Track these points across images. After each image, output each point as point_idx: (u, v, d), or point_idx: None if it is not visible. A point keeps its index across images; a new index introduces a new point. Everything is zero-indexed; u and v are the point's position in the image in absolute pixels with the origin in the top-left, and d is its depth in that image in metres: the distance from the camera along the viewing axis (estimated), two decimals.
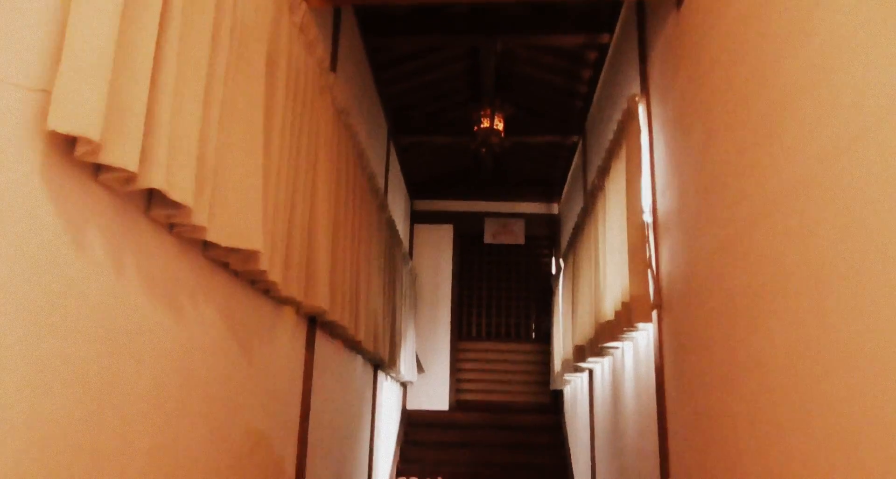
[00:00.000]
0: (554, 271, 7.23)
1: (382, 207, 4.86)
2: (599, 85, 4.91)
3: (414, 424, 6.81)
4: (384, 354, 4.79)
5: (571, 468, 6.15)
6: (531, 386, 7.09)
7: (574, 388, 6.19)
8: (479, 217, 7.43)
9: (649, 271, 3.20)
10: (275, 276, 2.35)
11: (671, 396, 2.92)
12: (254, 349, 2.48)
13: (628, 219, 3.29)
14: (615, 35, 4.38)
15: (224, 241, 1.92)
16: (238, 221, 1.98)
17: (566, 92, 5.57)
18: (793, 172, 1.75)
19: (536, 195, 7.47)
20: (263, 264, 2.20)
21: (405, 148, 6.59)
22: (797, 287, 1.71)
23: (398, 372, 5.64)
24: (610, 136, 4.35)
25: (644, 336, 3.43)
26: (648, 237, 3.26)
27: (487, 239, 7.34)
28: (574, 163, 6.27)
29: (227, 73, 2.00)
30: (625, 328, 3.32)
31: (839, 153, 1.51)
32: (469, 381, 7.14)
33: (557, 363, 6.32)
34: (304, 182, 2.79)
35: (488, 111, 4.83)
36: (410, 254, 7.36)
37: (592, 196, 4.51)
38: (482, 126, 4.81)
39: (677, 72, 2.91)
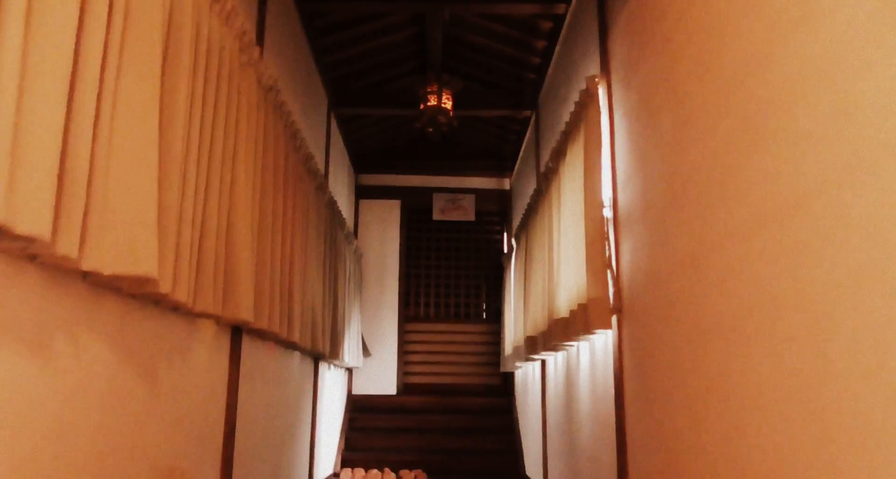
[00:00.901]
0: (506, 250, 6.98)
1: (322, 188, 4.49)
2: (554, 58, 4.59)
3: (360, 409, 6.55)
4: (324, 347, 4.48)
5: (522, 455, 5.99)
6: (481, 368, 6.88)
7: (525, 372, 6.00)
8: (428, 192, 7.10)
9: (609, 271, 2.95)
10: (181, 294, 2.00)
11: (631, 410, 2.69)
12: (159, 375, 2.14)
13: (586, 212, 3.02)
14: (572, 6, 4.04)
15: (107, 268, 1.57)
16: (125, 241, 1.62)
17: (518, 63, 5.23)
18: (796, 176, 1.47)
19: (487, 169, 7.16)
20: (164, 286, 1.85)
21: (348, 119, 6.19)
22: (786, 309, 1.46)
23: (342, 360, 5.34)
24: (566, 116, 4.05)
25: (601, 339, 3.19)
26: (608, 233, 2.99)
27: (436, 215, 7.03)
28: (527, 138, 5.97)
29: (105, 54, 1.62)
30: (581, 332, 3.07)
31: (856, 160, 1.23)
32: (417, 363, 6.89)
33: (508, 346, 6.11)
34: (221, 178, 2.42)
35: (435, 87, 4.47)
36: (356, 231, 7.01)
37: (546, 179, 4.23)
38: (429, 104, 4.45)
39: (643, 50, 2.61)
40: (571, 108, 3.88)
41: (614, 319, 2.92)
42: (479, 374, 6.86)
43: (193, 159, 2.12)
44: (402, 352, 6.85)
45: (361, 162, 7.10)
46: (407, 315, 7.02)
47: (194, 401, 2.45)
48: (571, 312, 3.29)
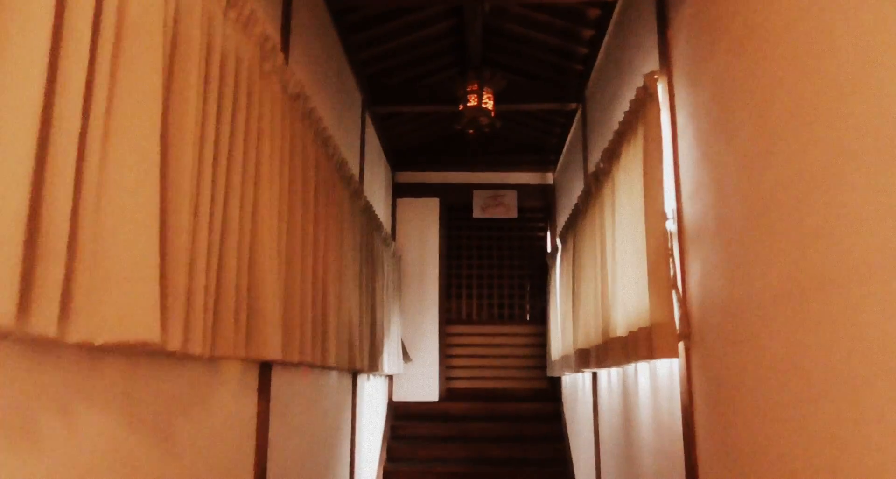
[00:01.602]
0: (550, 249, 6.67)
1: (357, 194, 4.25)
2: (603, 48, 4.25)
3: (401, 417, 6.34)
4: (363, 362, 4.25)
5: (572, 464, 5.70)
6: (526, 372, 6.60)
7: (574, 378, 5.70)
8: (468, 189, 6.80)
9: (674, 292, 2.63)
10: (195, 346, 1.76)
11: (705, 453, 2.39)
12: (175, 432, 1.91)
13: (647, 224, 2.70)
14: None
15: (98, 337, 1.33)
16: (119, 302, 1.38)
17: (564, 54, 4.89)
18: None
19: (530, 164, 6.83)
20: (172, 343, 1.61)
21: (384, 116, 5.93)
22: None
23: (381, 370, 5.12)
24: (619, 114, 3.72)
25: (666, 364, 2.88)
26: (673, 250, 2.68)
27: (477, 213, 6.74)
28: (572, 131, 5.63)
29: (90, 78, 1.37)
30: (644, 357, 2.77)
31: None
32: (460, 368, 6.64)
33: (555, 351, 5.82)
34: (242, 205, 2.17)
35: (475, 86, 4.16)
36: (393, 230, 6.76)
37: (597, 180, 3.91)
38: (469, 105, 4.15)
39: (715, 45, 2.27)
40: (625, 105, 3.55)
41: (681, 345, 2.61)
42: (524, 378, 6.59)
43: (207, 191, 1.87)
44: (444, 356, 6.60)
45: (398, 159, 6.84)
46: (448, 317, 6.77)
47: (219, 451, 2.22)
48: (631, 333, 2.99)
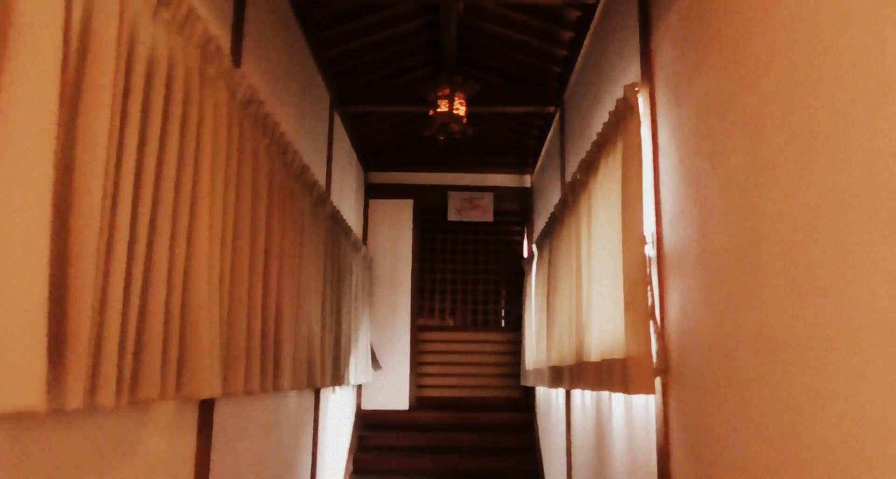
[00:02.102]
0: (526, 254, 6.47)
1: (322, 200, 4.02)
2: (583, 52, 4.04)
3: (370, 426, 6.13)
4: (325, 379, 4.03)
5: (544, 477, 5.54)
6: (500, 379, 6.41)
7: (548, 389, 5.52)
8: (443, 190, 6.59)
9: (652, 323, 2.44)
10: (106, 397, 1.53)
11: None
12: None
13: (624, 248, 2.51)
14: None
15: None
16: None
17: (542, 56, 4.68)
18: None
19: (507, 166, 6.63)
20: (72, 401, 1.39)
21: (355, 116, 5.69)
22: None
23: (347, 382, 4.90)
24: (597, 124, 3.51)
25: (641, 397, 2.69)
26: (651, 277, 2.48)
27: (451, 216, 6.52)
28: (550, 135, 5.43)
29: None
30: (617, 390, 2.57)
31: None
32: (432, 375, 6.44)
33: (529, 361, 5.63)
34: (174, 225, 1.95)
35: (447, 91, 3.93)
36: (365, 232, 6.53)
37: (574, 191, 3.71)
38: (439, 110, 3.92)
39: (704, 56, 2.07)
40: (605, 115, 3.34)
41: (658, 381, 2.42)
42: (498, 386, 6.40)
43: (125, 217, 1.64)
44: (416, 363, 6.40)
45: (371, 159, 6.60)
46: (420, 323, 6.56)
47: None
48: (605, 361, 2.80)
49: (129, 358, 1.67)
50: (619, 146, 2.72)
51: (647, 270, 2.48)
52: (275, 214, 2.95)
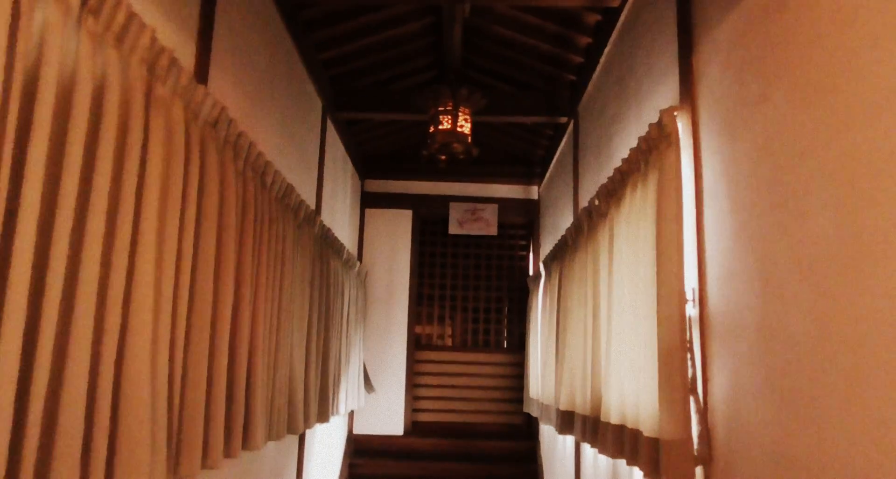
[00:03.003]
0: (532, 272, 6.07)
1: (309, 220, 3.61)
2: (602, 60, 3.62)
3: (362, 452, 5.73)
4: (309, 420, 3.63)
5: None
6: (502, 405, 6.01)
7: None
8: (444, 201, 6.17)
9: (692, 398, 2.04)
10: None
11: None
12: None
13: (660, 306, 2.11)
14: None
15: None
16: None
17: (555, 62, 4.26)
18: None
19: (513, 176, 6.21)
20: None
21: (352, 121, 5.27)
22: None
23: (337, 412, 4.51)
24: (620, 147, 3.09)
25: None
26: (692, 343, 2.08)
27: (453, 228, 6.11)
28: (561, 147, 5.02)
29: None
30: (647, 477, 2.17)
31: None
32: (428, 398, 6.04)
33: (533, 388, 5.23)
34: (109, 282, 1.55)
35: (450, 105, 3.51)
36: (360, 245, 6.12)
37: (590, 218, 3.31)
38: (440, 128, 3.50)
39: (773, 86, 1.67)
40: (629, 137, 2.93)
41: (699, 471, 2.02)
42: (499, 412, 6.00)
43: (22, 281, 1.24)
44: (411, 385, 6.00)
45: (368, 166, 6.19)
46: (418, 342, 6.16)
47: None
48: (630, 430, 2.40)
49: (31, 455, 1.28)
50: (652, 180, 2.32)
51: (688, 334, 2.08)
52: (247, 248, 2.54)
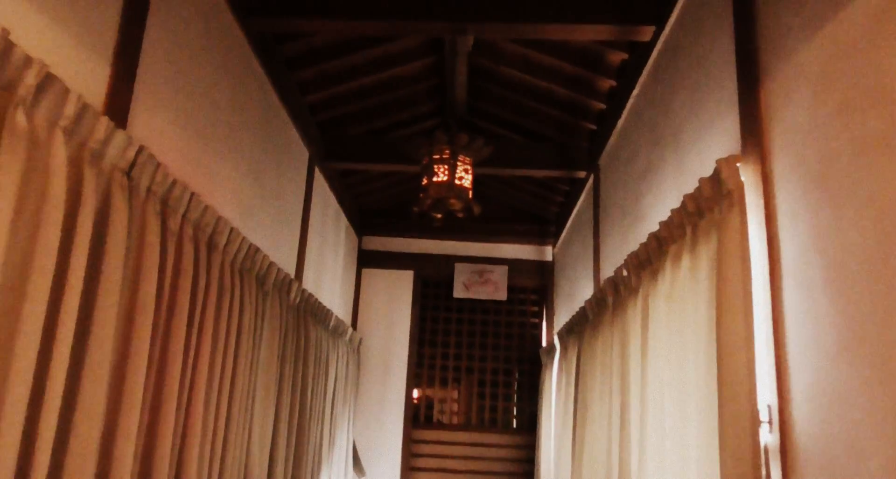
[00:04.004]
0: (545, 343, 5.45)
1: (280, 287, 3.07)
2: (631, 103, 3.10)
3: None
4: None
5: None
6: None
7: None
8: (448, 261, 5.61)
9: None
10: None
11: None
12: None
13: (722, 427, 1.52)
14: (667, 28, 2.56)
15: None
16: None
17: (572, 108, 3.76)
18: None
19: (524, 235, 5.65)
20: None
21: (346, 172, 4.78)
22: None
23: None
24: (656, 207, 2.54)
25: None
26: (767, 474, 1.48)
27: (458, 292, 5.53)
28: (579, 205, 4.48)
29: None
30: None
31: None
32: None
33: (546, 475, 4.57)
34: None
35: (447, 153, 2.97)
36: (356, 308, 5.54)
37: (616, 292, 2.74)
38: (435, 180, 2.95)
39: None
40: (669, 198, 2.37)
41: None
42: None
43: None
44: (407, 468, 5.33)
45: (365, 221, 5.67)
46: (416, 419, 5.51)
47: None
48: None
49: None
50: (705, 251, 1.75)
51: (762, 467, 1.48)
52: (177, 325, 1.98)
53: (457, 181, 2.88)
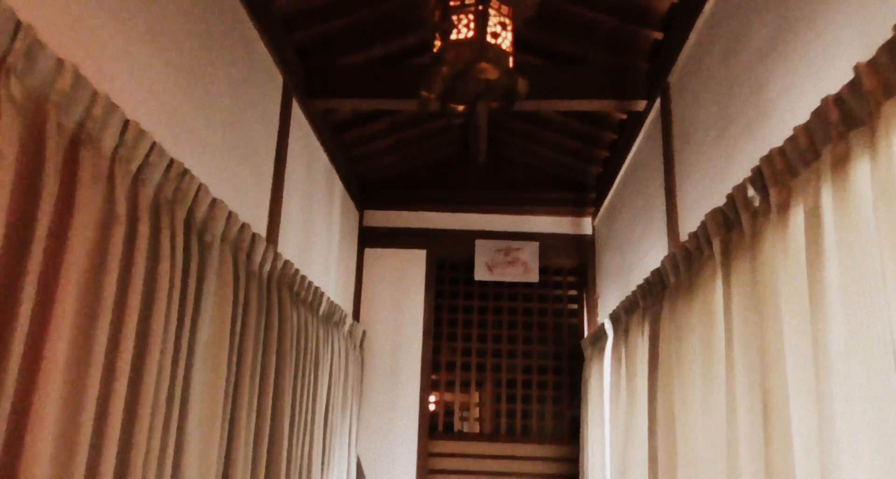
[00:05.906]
0: (587, 331, 4.51)
1: (238, 245, 2.17)
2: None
3: None
4: None
5: None
6: None
7: None
8: (468, 237, 4.68)
9: None
10: None
11: None
12: None
13: None
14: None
15: None
16: None
17: (626, 13, 2.84)
18: None
19: (558, 203, 4.72)
20: None
21: (340, 126, 3.89)
22: None
23: None
24: (800, 99, 1.61)
25: None
26: None
27: (480, 274, 4.61)
28: (636, 148, 3.55)
29: None
30: None
31: None
32: None
33: None
34: None
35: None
36: (357, 295, 4.63)
37: (727, 226, 1.81)
38: (454, 38, 1.87)
39: None
40: (830, 78, 1.44)
41: None
42: None
43: None
44: None
45: (367, 193, 4.77)
46: (433, 428, 4.58)
47: None
48: None
49: None
50: None
51: None
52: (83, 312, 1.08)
53: (489, 38, 1.84)
